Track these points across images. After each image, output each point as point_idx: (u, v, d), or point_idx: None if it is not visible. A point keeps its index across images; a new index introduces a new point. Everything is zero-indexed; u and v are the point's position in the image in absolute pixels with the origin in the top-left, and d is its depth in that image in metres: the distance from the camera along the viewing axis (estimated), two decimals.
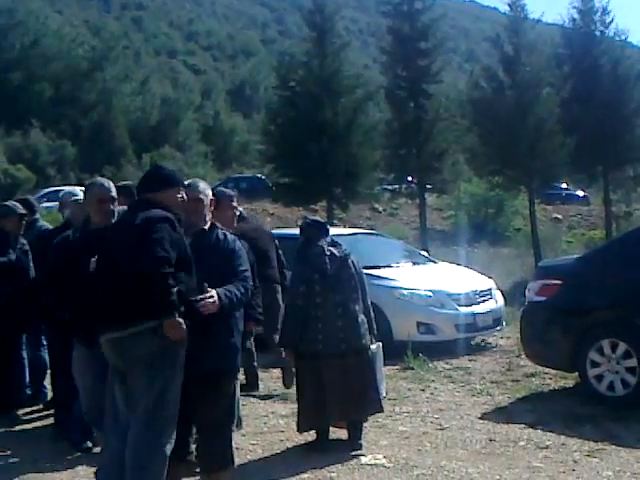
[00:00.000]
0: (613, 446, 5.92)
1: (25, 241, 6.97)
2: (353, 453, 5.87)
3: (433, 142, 24.63)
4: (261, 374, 8.34)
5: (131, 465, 4.28)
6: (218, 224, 4.98)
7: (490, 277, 11.38)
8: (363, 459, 5.77)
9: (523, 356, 8.56)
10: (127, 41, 79.26)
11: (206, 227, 4.76)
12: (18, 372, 7.17)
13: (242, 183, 42.49)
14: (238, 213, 6.03)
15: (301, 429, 6.07)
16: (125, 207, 5.09)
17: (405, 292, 9.96)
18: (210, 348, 4.53)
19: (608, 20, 26.02)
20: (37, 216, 7.67)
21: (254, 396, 7.73)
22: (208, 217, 4.80)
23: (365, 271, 6.36)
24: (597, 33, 25.91)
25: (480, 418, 6.86)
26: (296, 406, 6.17)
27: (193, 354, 4.41)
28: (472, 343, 10.47)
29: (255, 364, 7.89)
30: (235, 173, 51.30)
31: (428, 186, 26.86)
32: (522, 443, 6.09)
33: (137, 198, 4.69)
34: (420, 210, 26.18)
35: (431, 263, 11.62)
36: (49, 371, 7.15)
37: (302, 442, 6.18)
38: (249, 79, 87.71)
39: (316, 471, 5.53)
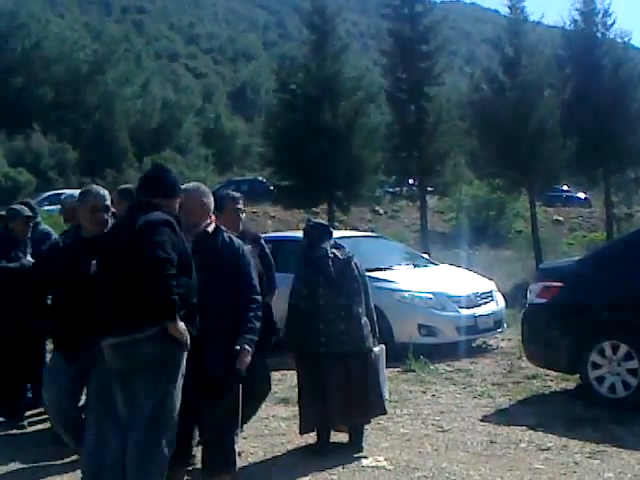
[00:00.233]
0: (614, 448, 5.92)
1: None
2: (354, 455, 5.87)
3: (434, 144, 24.61)
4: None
5: (132, 468, 4.28)
6: (223, 227, 4.99)
7: (491, 279, 11.38)
8: (364, 461, 5.77)
9: (524, 358, 8.55)
10: (128, 44, 79.30)
11: (209, 230, 4.75)
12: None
13: (243, 186, 42.45)
14: (244, 215, 5.90)
15: (302, 431, 6.07)
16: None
17: (406, 294, 9.96)
18: (215, 353, 4.54)
19: (610, 22, 26.00)
20: (38, 219, 7.68)
21: None
22: (209, 220, 4.79)
23: (366, 274, 6.37)
24: (598, 35, 25.87)
25: (481, 420, 6.86)
26: (297, 409, 6.17)
27: (196, 358, 4.41)
28: (473, 345, 10.47)
29: None
30: (236, 176, 51.33)
31: (429, 188, 26.86)
32: (523, 445, 6.09)
33: (137, 200, 4.67)
34: (421, 212, 26.15)
35: (432, 265, 11.62)
36: None
37: (303, 445, 6.19)
38: (250, 82, 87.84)
39: (317, 474, 5.53)
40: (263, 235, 7.41)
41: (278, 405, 7.55)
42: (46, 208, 22.30)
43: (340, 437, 6.13)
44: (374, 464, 5.71)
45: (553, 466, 5.59)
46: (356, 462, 5.75)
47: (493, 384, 8.28)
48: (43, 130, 51.73)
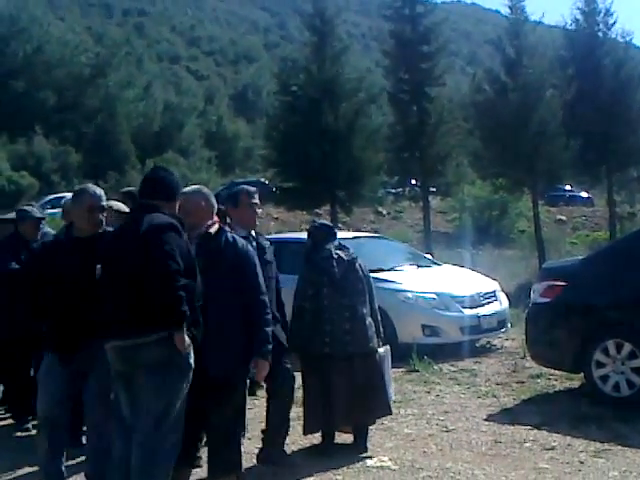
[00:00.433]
0: (619, 446, 5.91)
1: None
2: (359, 456, 5.87)
3: (436, 145, 24.60)
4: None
5: (137, 469, 4.28)
6: (227, 227, 4.99)
7: (494, 279, 11.38)
8: (369, 462, 5.77)
9: (528, 357, 8.55)
10: (129, 47, 79.34)
11: (212, 231, 4.76)
12: None
13: None
14: (260, 210, 5.77)
15: (307, 432, 6.07)
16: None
17: (410, 295, 9.96)
18: (219, 354, 4.55)
19: (611, 21, 25.98)
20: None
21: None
22: (211, 221, 4.79)
23: (370, 274, 6.37)
24: (600, 34, 25.85)
25: (486, 420, 6.85)
26: (301, 409, 6.16)
27: (203, 360, 4.41)
28: (477, 345, 10.46)
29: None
30: (238, 178, 51.30)
31: (432, 189, 26.87)
32: (528, 444, 6.09)
33: (139, 202, 4.68)
34: (424, 213, 26.14)
35: (435, 266, 11.62)
36: None
37: (308, 445, 6.19)
38: (252, 84, 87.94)
39: (321, 474, 5.53)
40: (267, 237, 7.41)
41: None
42: (48, 211, 22.30)
43: (344, 438, 6.13)
44: (379, 464, 5.71)
45: (558, 465, 5.58)
46: (361, 462, 5.75)
47: (497, 384, 8.28)
48: (45, 133, 51.79)
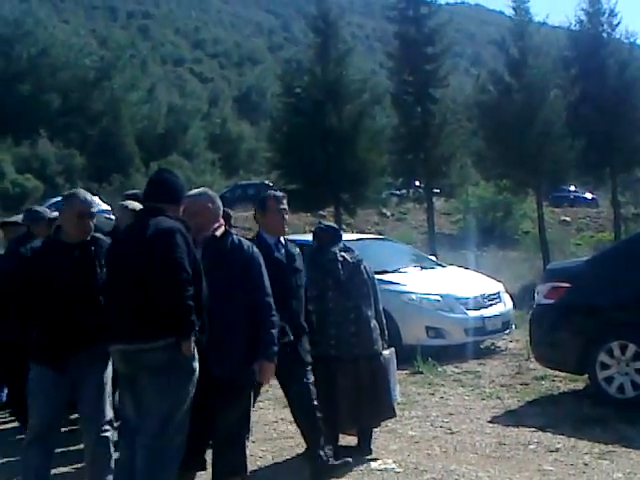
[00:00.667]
0: (623, 448, 5.91)
1: None
2: (363, 458, 5.87)
3: (440, 146, 24.60)
4: (271, 380, 8.33)
5: (142, 472, 4.28)
6: (233, 230, 4.99)
7: (499, 280, 11.36)
8: (373, 464, 5.77)
9: (532, 359, 8.55)
10: (134, 50, 79.59)
11: (218, 234, 4.76)
12: None
13: (250, 190, 42.52)
14: (287, 216, 5.57)
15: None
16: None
17: (414, 297, 9.95)
18: (225, 356, 4.55)
19: (615, 22, 25.97)
20: None
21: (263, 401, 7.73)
22: (217, 224, 4.80)
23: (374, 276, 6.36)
24: (604, 35, 25.84)
25: (490, 422, 6.85)
26: None
27: (209, 362, 4.42)
28: (481, 347, 10.46)
29: None
30: (243, 180, 51.37)
31: (436, 190, 26.86)
32: (532, 446, 6.09)
33: (143, 205, 4.69)
34: (428, 214, 26.13)
35: (439, 267, 11.61)
36: None
37: None
38: (256, 86, 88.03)
39: None
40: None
41: (287, 408, 7.52)
42: (53, 214, 22.33)
43: (349, 440, 6.12)
44: (383, 467, 5.71)
45: (562, 467, 5.58)
46: (365, 465, 5.75)
47: (501, 385, 8.27)
48: (50, 136, 51.96)
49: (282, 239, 5.51)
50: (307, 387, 5.37)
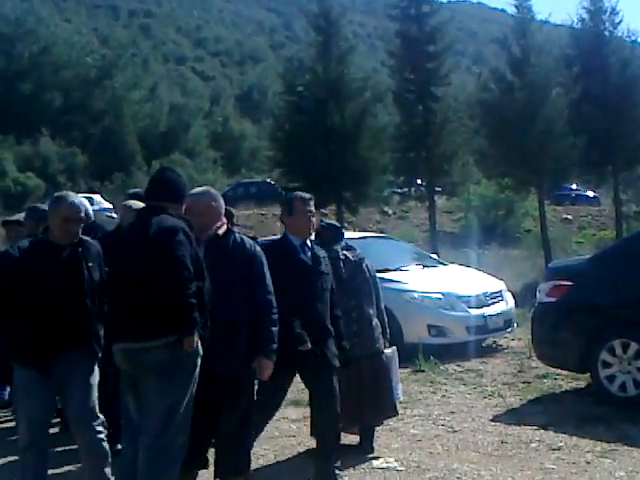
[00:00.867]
0: (626, 447, 5.91)
1: None
2: (365, 457, 5.87)
3: (442, 145, 24.58)
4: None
5: (144, 471, 4.28)
6: (235, 229, 4.99)
7: (500, 279, 11.37)
8: (375, 462, 5.77)
9: (534, 357, 8.54)
10: (135, 48, 79.64)
11: (220, 232, 4.76)
12: None
13: (252, 188, 42.59)
14: (317, 219, 5.43)
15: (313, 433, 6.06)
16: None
17: (416, 295, 9.96)
18: (227, 354, 4.55)
19: (617, 20, 25.96)
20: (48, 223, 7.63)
21: None
22: (219, 222, 4.80)
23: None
24: (606, 33, 25.82)
25: (492, 420, 6.85)
26: (307, 410, 6.15)
27: (211, 361, 4.41)
28: (483, 345, 10.46)
29: None
30: (245, 178, 51.40)
31: (437, 189, 26.83)
32: (534, 445, 6.09)
33: (146, 204, 4.68)
34: (430, 213, 26.11)
35: (441, 265, 11.62)
36: None
37: (314, 446, 6.17)
38: (257, 84, 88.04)
39: None
40: (273, 237, 7.40)
41: (289, 407, 7.54)
42: None
43: (351, 439, 6.13)
44: (385, 465, 5.71)
45: (564, 465, 5.58)
46: (367, 463, 5.75)
47: (503, 384, 8.27)
48: (52, 135, 51.99)
49: (308, 241, 5.41)
50: (332, 392, 5.26)
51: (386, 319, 6.22)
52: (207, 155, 62.00)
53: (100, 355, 4.89)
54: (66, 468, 5.79)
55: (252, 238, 5.02)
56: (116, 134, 54.67)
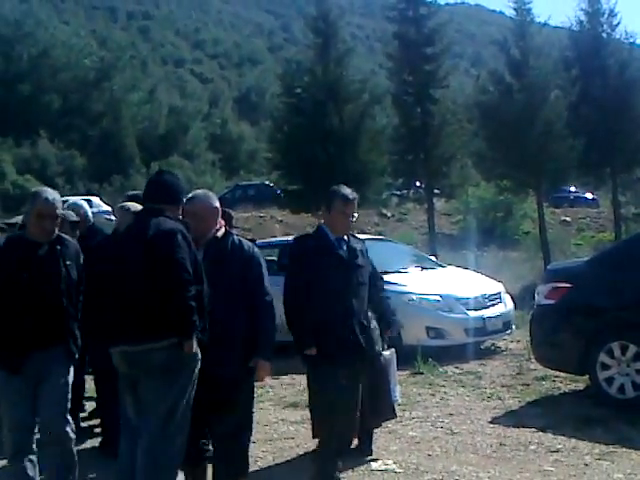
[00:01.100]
0: (624, 449, 5.90)
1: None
2: (363, 459, 5.87)
3: (441, 147, 24.59)
4: (271, 381, 8.35)
5: (142, 473, 4.28)
6: (234, 231, 4.98)
7: (499, 281, 11.36)
8: (373, 465, 5.77)
9: (533, 360, 8.53)
10: (134, 51, 79.71)
11: (219, 235, 4.76)
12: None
13: (250, 190, 42.60)
14: (354, 219, 5.11)
15: (316, 435, 6.04)
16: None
17: (414, 297, 9.95)
18: (226, 356, 4.55)
19: (615, 22, 25.98)
20: None
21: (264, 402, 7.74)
22: (218, 225, 4.79)
23: None
24: (604, 35, 25.85)
25: (490, 422, 6.85)
26: (306, 412, 6.16)
27: (210, 362, 4.41)
28: (482, 347, 10.45)
29: None
30: (243, 180, 51.41)
31: (436, 191, 26.84)
32: (533, 447, 6.08)
33: (143, 207, 4.67)
34: (428, 215, 26.12)
35: (440, 268, 11.61)
36: None
37: (312, 448, 6.17)
38: (256, 86, 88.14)
39: None
40: (272, 240, 7.40)
41: (287, 409, 7.56)
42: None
43: None
44: (383, 467, 5.71)
45: (563, 468, 5.58)
46: (365, 465, 5.75)
47: (502, 386, 8.27)
48: (50, 137, 52.03)
49: (242, 238, 5.27)
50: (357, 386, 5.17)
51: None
52: (206, 157, 62.07)
53: (77, 356, 4.81)
54: None
55: (250, 240, 5.02)
56: (115, 136, 54.71)
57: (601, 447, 5.97)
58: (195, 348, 4.25)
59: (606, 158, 24.64)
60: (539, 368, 8.45)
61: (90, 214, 7.02)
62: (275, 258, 11.34)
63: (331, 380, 4.82)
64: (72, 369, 4.82)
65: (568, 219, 37.28)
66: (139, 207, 5.74)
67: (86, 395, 7.34)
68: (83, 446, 6.51)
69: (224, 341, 4.52)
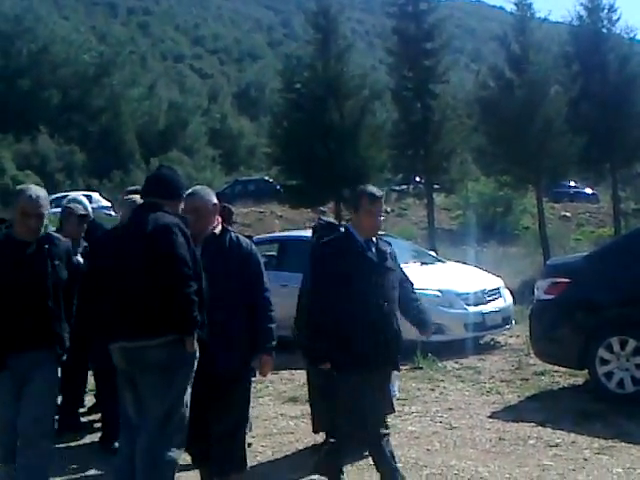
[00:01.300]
0: (623, 443, 5.91)
1: (86, 244, 6.45)
2: (363, 454, 5.87)
3: (440, 142, 24.55)
4: (270, 376, 8.34)
5: (141, 471, 4.28)
6: (231, 228, 4.97)
7: (499, 276, 11.38)
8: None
9: (532, 354, 8.55)
10: (134, 46, 79.63)
11: (217, 231, 4.76)
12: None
13: (250, 186, 42.54)
14: (382, 218, 4.94)
15: (316, 430, 6.05)
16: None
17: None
18: (225, 353, 4.56)
19: (615, 17, 25.95)
20: (46, 222, 7.63)
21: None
22: (215, 222, 4.79)
23: None
24: (604, 30, 25.81)
25: (490, 417, 6.86)
26: (305, 407, 6.17)
27: (208, 358, 4.42)
28: (481, 342, 10.47)
29: None
30: (243, 176, 51.34)
31: (436, 186, 26.83)
32: (532, 441, 6.09)
33: (143, 201, 4.64)
34: (428, 210, 26.10)
35: (439, 263, 11.62)
36: None
37: (312, 443, 6.19)
38: (255, 82, 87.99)
39: None
40: (272, 235, 7.41)
41: (287, 404, 7.56)
42: (52, 210, 22.31)
43: None
44: None
45: (562, 462, 5.59)
46: (364, 460, 5.74)
47: (501, 381, 8.28)
48: (50, 133, 51.97)
49: (239, 235, 5.17)
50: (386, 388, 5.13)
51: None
52: (205, 153, 62.00)
53: (64, 358, 4.67)
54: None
55: (247, 237, 5.01)
56: (114, 132, 54.68)
57: (600, 441, 5.98)
58: (195, 346, 4.26)
59: (606, 153, 24.61)
60: (538, 363, 8.46)
61: (90, 210, 7.03)
62: (274, 253, 11.38)
63: (364, 388, 4.68)
64: (59, 370, 4.69)
65: (568, 214, 37.25)
66: None
67: (86, 390, 7.35)
68: (83, 441, 6.54)
69: (223, 339, 4.53)
